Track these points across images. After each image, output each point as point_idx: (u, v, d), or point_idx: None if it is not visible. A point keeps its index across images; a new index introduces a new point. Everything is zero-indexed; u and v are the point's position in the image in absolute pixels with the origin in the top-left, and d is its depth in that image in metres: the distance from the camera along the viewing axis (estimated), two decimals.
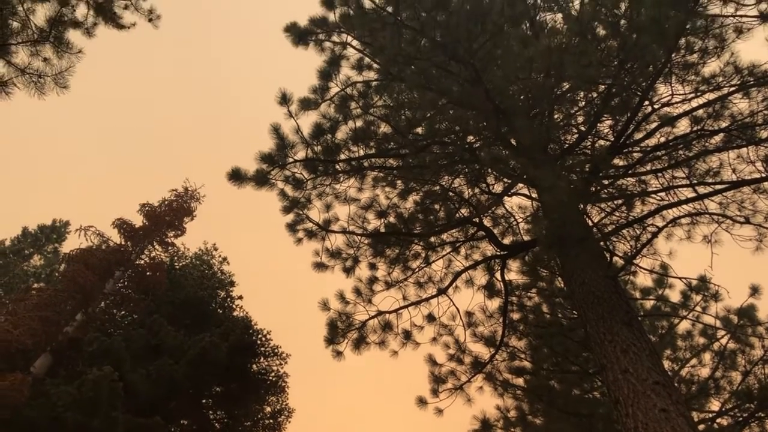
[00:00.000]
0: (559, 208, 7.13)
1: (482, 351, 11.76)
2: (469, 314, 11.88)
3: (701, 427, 10.27)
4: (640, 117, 8.41)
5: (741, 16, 7.34)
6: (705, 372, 11.25)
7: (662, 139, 8.78)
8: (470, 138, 10.75)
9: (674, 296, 11.81)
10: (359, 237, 11.12)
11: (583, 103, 9.96)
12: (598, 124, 9.48)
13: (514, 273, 11.88)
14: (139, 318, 20.45)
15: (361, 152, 10.14)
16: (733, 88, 7.94)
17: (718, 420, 10.71)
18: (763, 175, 7.81)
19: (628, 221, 8.62)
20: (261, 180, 9.62)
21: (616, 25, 7.90)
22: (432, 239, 11.17)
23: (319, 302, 11.22)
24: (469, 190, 11.19)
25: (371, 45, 9.99)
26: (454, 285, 11.32)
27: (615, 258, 8.40)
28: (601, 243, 8.30)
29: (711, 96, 8.12)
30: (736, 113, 8.10)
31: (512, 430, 11.96)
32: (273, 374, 20.28)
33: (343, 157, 10.09)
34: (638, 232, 8.60)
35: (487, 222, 11.40)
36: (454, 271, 11.49)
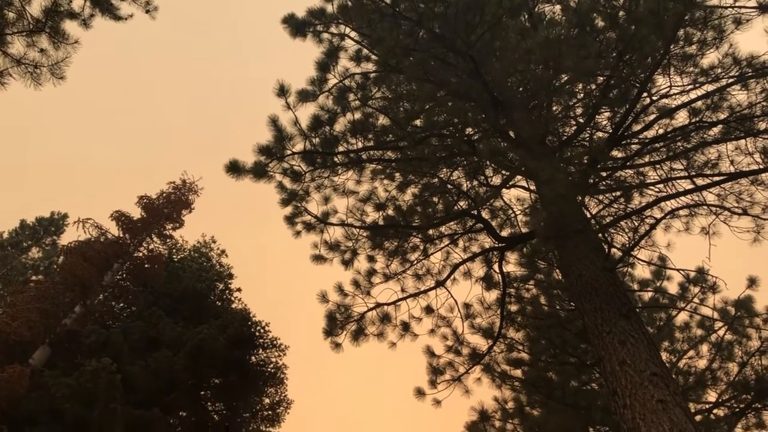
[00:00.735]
0: (558, 200, 7.12)
1: (480, 342, 11.80)
2: (467, 306, 11.91)
3: (698, 417, 10.31)
4: (638, 109, 8.40)
5: (740, 7, 7.32)
6: (702, 363, 11.29)
7: (660, 131, 8.78)
8: (469, 130, 10.73)
9: (672, 288, 11.85)
10: (358, 230, 11.12)
11: (582, 95, 9.95)
12: (597, 116, 9.48)
13: (512, 265, 11.92)
14: (137, 310, 20.46)
15: (360, 144, 10.12)
16: (731, 80, 7.93)
17: (715, 411, 10.76)
18: (761, 166, 7.81)
19: (626, 213, 8.63)
20: (259, 172, 9.59)
21: (615, 16, 7.88)
22: (430, 232, 11.18)
23: (317, 295, 11.25)
24: (468, 182, 11.19)
25: (369, 36, 9.97)
26: (452, 277, 11.35)
27: (613, 250, 8.42)
28: (599, 235, 8.30)
29: (709, 87, 8.11)
30: (734, 105, 8.10)
31: (510, 421, 12.00)
32: (272, 366, 20.32)
33: (341, 149, 10.07)
34: (636, 224, 8.61)
35: (485, 214, 11.41)
36: (452, 263, 11.51)
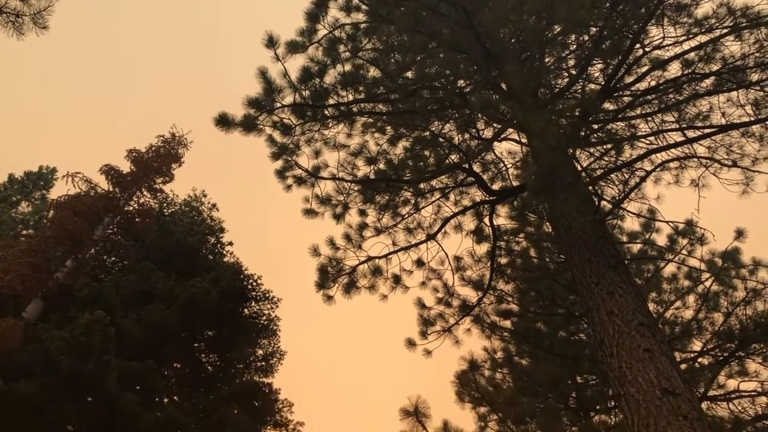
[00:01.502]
0: (549, 152, 7.11)
1: (470, 294, 11.94)
2: (457, 259, 12.01)
3: (683, 366, 10.54)
4: (631, 60, 8.32)
5: None
6: (688, 314, 11.49)
7: (653, 83, 8.72)
8: (460, 82, 10.63)
9: (661, 240, 11.98)
10: (349, 184, 11.10)
11: (575, 46, 9.84)
12: (589, 68, 9.39)
13: (502, 218, 11.98)
14: (129, 264, 20.51)
15: (350, 97, 10.00)
16: (725, 30, 7.85)
17: (700, 359, 11.01)
18: (753, 118, 7.81)
19: (617, 165, 8.63)
20: (248, 125, 9.50)
21: None
22: (421, 185, 11.17)
23: (309, 248, 11.30)
24: (459, 135, 11.13)
25: None
26: (443, 230, 11.40)
27: (603, 202, 8.46)
28: (590, 187, 8.33)
29: (703, 38, 8.02)
30: (727, 56, 8.03)
31: (499, 370, 12.25)
32: (264, 318, 20.53)
33: (331, 102, 9.96)
34: (626, 177, 8.63)
35: (476, 168, 11.39)
36: (443, 216, 11.55)
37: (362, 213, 11.51)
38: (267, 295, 20.60)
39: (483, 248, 11.88)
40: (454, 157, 10.79)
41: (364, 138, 11.15)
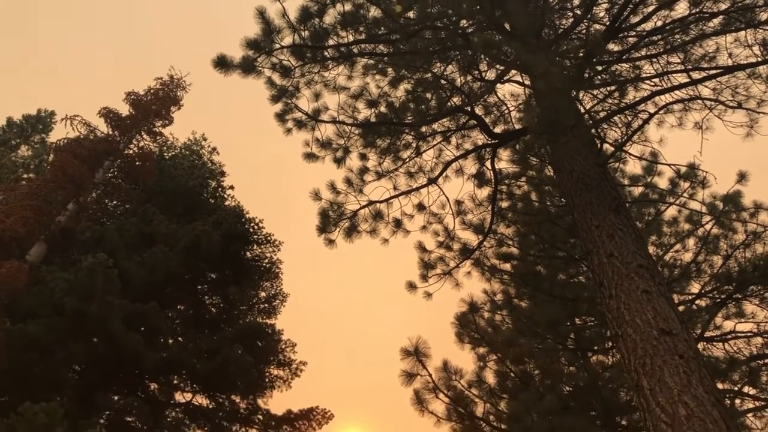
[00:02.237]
0: (552, 94, 7.02)
1: (471, 238, 12.00)
2: (458, 203, 12.02)
3: (681, 308, 10.68)
4: None
5: None
6: (688, 257, 11.56)
7: (659, 23, 8.52)
8: (463, 22, 10.39)
9: (662, 183, 11.94)
10: (349, 127, 11.00)
11: None
12: (594, 8, 9.19)
13: (504, 162, 11.94)
14: (131, 208, 20.57)
15: (351, 38, 9.81)
16: None
17: (698, 301, 11.14)
18: (760, 59, 7.67)
19: (620, 108, 8.53)
20: (247, 67, 9.36)
21: None
22: (423, 129, 11.07)
23: (310, 192, 11.29)
24: (462, 77, 10.96)
25: None
26: (444, 174, 11.35)
27: (605, 145, 8.39)
28: (592, 130, 8.26)
29: None
30: None
31: (498, 312, 12.42)
32: (266, 261, 20.68)
33: (331, 42, 9.78)
34: (630, 119, 8.54)
35: (478, 110, 11.28)
36: (444, 160, 11.48)
37: (363, 157, 11.45)
38: (269, 238, 20.71)
39: (484, 192, 11.88)
40: (456, 100, 10.66)
41: (364, 80, 11.00)
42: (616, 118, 8.60)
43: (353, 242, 11.33)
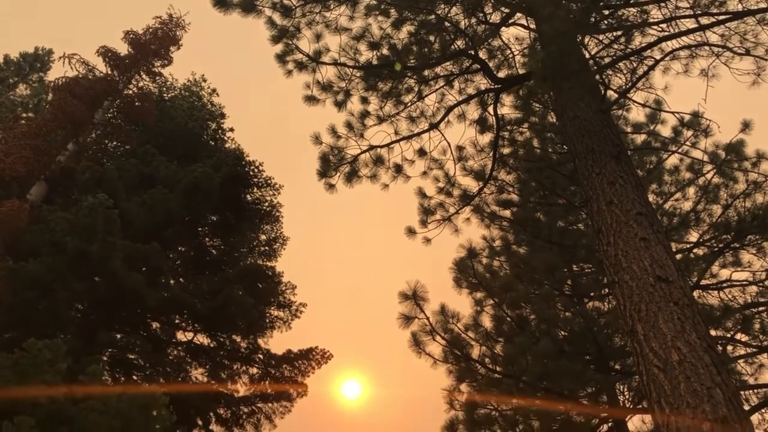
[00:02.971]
0: (557, 38, 6.91)
1: (471, 184, 12.01)
2: (459, 149, 11.97)
3: (678, 256, 10.76)
4: None
5: None
6: (687, 205, 11.60)
7: None
8: None
9: (665, 131, 11.86)
10: (351, 69, 10.85)
11: None
12: None
13: (507, 108, 11.82)
14: (130, 149, 20.46)
15: None
16: None
17: (695, 250, 11.23)
18: None
19: (626, 53, 8.40)
20: (247, 6, 9.20)
21: None
22: (426, 72, 10.92)
23: (310, 136, 11.23)
24: (466, 19, 10.74)
25: None
26: (446, 119, 11.27)
27: (609, 92, 8.31)
28: (597, 76, 8.16)
29: None
30: None
31: (497, 258, 12.52)
32: (267, 204, 20.71)
33: None
34: (635, 65, 8.42)
35: (482, 54, 11.08)
36: (446, 105, 11.37)
37: (364, 101, 11.33)
38: (269, 181, 20.67)
39: (486, 138, 11.82)
40: (459, 43, 10.48)
41: (366, 21, 10.77)
42: (621, 64, 8.48)
43: (353, 187, 11.35)
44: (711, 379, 4.47)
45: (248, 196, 20.01)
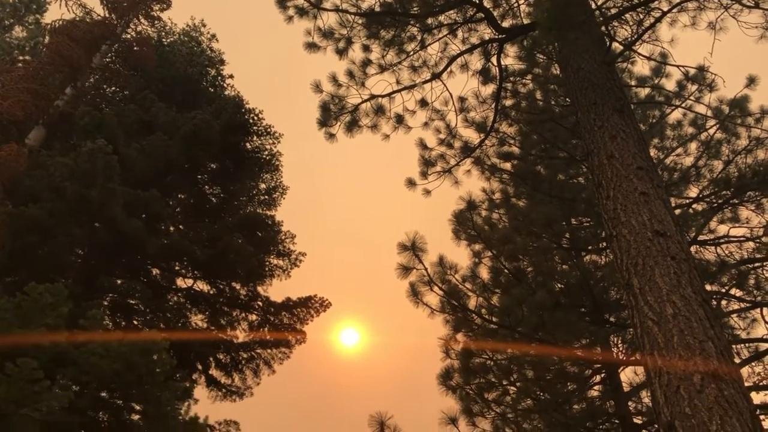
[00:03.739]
0: None
1: (472, 136, 11.94)
2: (461, 100, 11.84)
3: (678, 211, 10.79)
4: None
5: None
6: (689, 161, 11.57)
7: None
8: None
9: (669, 86, 11.73)
10: (353, 16, 10.66)
11: None
12: None
13: (510, 58, 11.61)
14: (129, 94, 20.26)
15: None
16: None
17: (695, 205, 11.25)
18: None
19: (633, 4, 8.25)
20: None
21: None
22: (429, 20, 10.73)
23: (311, 84, 11.11)
24: None
25: None
26: (448, 70, 11.13)
27: (614, 44, 8.19)
28: (602, 28, 8.02)
29: None
30: None
31: (496, 211, 12.54)
32: (266, 153, 20.61)
33: None
34: (642, 17, 8.28)
35: (486, 3, 10.87)
36: (449, 55, 11.20)
37: (366, 49, 11.16)
38: (268, 130, 20.51)
39: (488, 89, 11.68)
40: None
41: None
42: (627, 15, 8.34)
43: (354, 137, 11.28)
44: (704, 333, 4.53)
45: (248, 144, 19.90)
